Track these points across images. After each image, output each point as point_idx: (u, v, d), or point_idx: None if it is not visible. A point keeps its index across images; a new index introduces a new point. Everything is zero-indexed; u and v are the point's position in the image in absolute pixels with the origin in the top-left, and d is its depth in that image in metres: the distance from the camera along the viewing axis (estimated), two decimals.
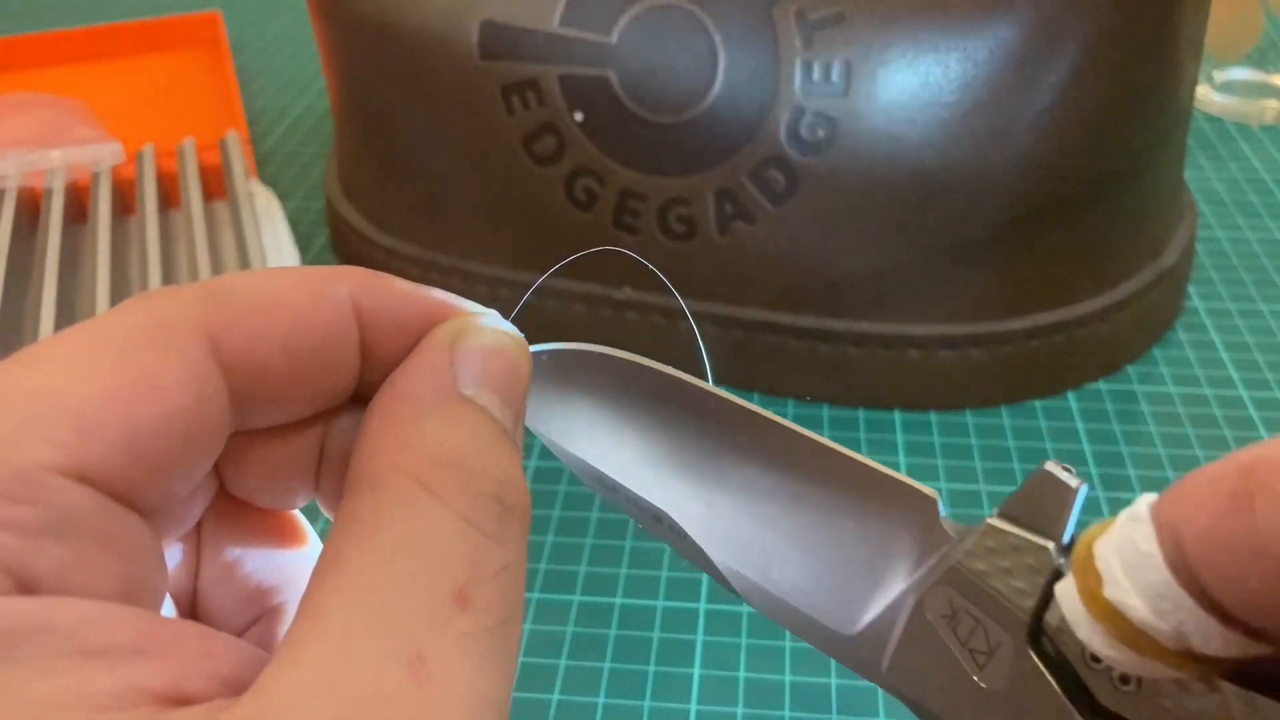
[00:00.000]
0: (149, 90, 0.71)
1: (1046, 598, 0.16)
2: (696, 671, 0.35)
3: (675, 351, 0.45)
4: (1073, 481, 0.17)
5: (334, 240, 0.55)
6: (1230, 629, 0.14)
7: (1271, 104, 0.64)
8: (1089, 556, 0.15)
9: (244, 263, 0.50)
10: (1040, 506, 0.17)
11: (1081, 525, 0.16)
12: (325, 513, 0.19)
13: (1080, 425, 0.43)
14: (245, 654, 0.14)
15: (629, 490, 0.20)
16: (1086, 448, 0.42)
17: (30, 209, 0.55)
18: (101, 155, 0.59)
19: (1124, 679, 0.16)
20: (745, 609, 0.36)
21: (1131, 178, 0.42)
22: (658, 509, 0.20)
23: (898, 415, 0.44)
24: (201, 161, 0.58)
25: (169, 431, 0.15)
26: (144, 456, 0.15)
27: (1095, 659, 0.16)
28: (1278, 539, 0.12)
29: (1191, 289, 0.51)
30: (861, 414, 0.44)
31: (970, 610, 0.17)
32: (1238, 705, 0.15)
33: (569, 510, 0.40)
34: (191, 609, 0.19)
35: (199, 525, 0.19)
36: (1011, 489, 0.21)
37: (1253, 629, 0.14)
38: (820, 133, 0.39)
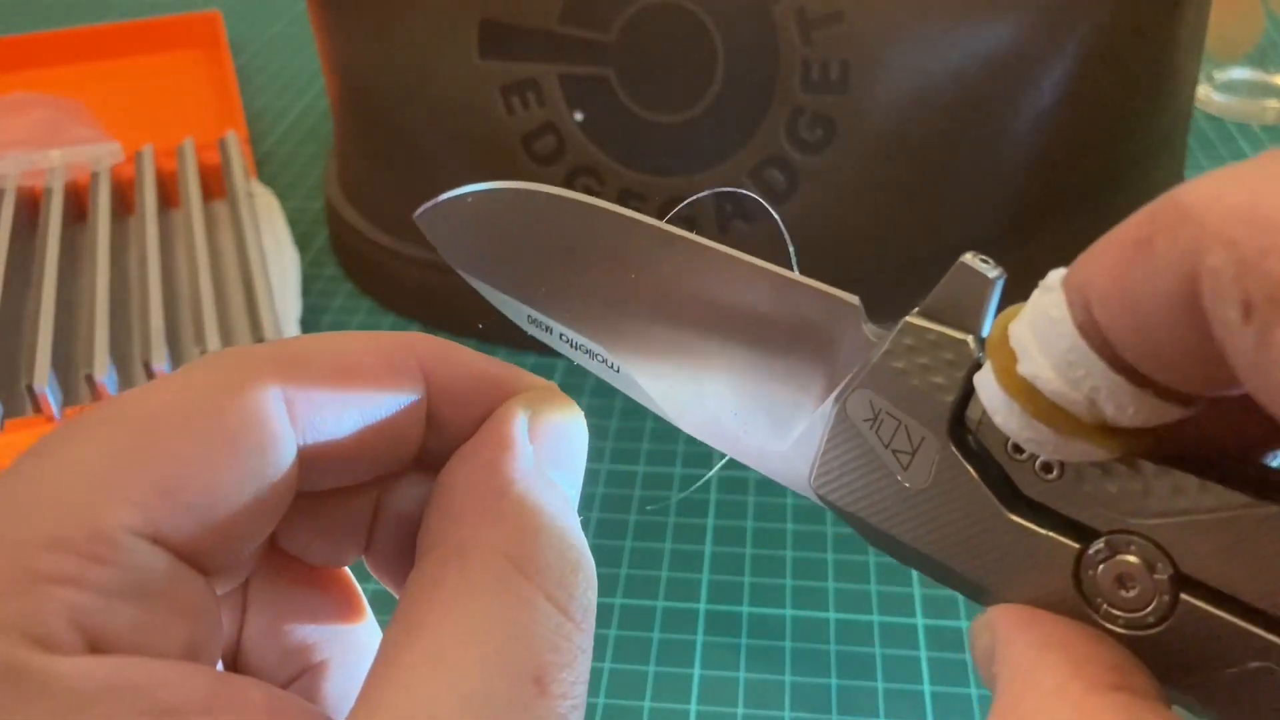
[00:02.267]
0: (149, 90, 0.71)
1: (967, 392, 0.16)
2: (696, 671, 0.35)
3: None
4: (991, 272, 0.16)
5: (334, 240, 0.55)
6: (1142, 390, 0.14)
7: (1271, 104, 0.64)
8: (1004, 337, 0.15)
9: (244, 262, 0.50)
10: (958, 301, 0.17)
11: None
12: (372, 571, 0.19)
13: None
14: (308, 713, 0.15)
15: (562, 329, 0.20)
16: None
17: (30, 209, 0.55)
18: (101, 155, 0.59)
19: (1046, 467, 0.15)
20: (745, 609, 0.36)
21: (1131, 177, 0.42)
22: (590, 345, 0.20)
23: None
24: (201, 161, 0.58)
25: (243, 495, 0.15)
26: (216, 520, 0.15)
27: (1017, 449, 0.16)
28: (1177, 276, 0.12)
29: None
30: None
31: (891, 410, 0.17)
32: (1158, 483, 0.14)
33: None
34: (234, 663, 0.19)
35: (246, 581, 0.19)
36: None
37: (1163, 388, 0.13)
38: (819, 132, 0.39)
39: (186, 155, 0.58)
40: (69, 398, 0.44)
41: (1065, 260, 0.43)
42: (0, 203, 0.54)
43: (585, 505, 0.40)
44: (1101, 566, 0.15)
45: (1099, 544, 0.15)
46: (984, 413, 0.16)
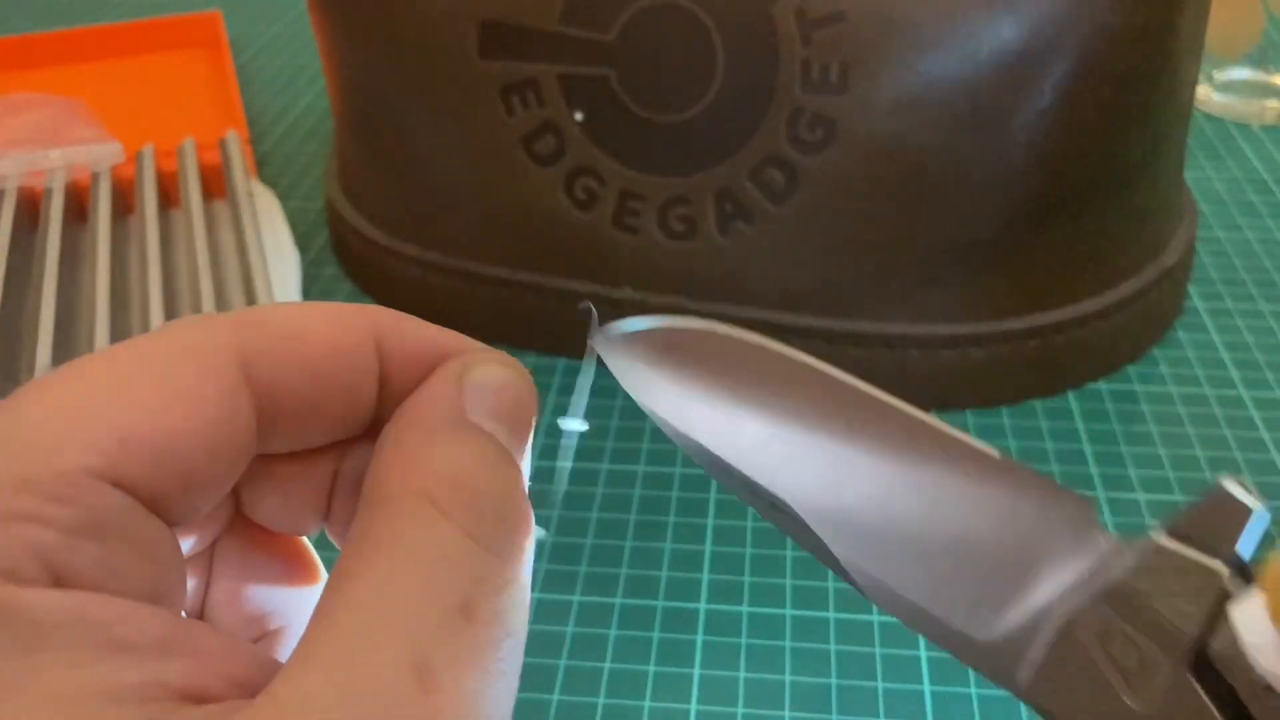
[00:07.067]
0: (149, 90, 0.71)
1: (1214, 623, 0.15)
2: (696, 671, 0.35)
3: None
4: (1251, 502, 0.16)
5: (334, 240, 0.55)
6: None
7: (1271, 104, 0.64)
8: None
9: (244, 262, 0.50)
10: (1212, 525, 0.16)
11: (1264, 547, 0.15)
12: (333, 540, 0.20)
13: (1080, 425, 0.43)
14: (260, 659, 0.15)
15: (745, 475, 0.19)
16: (1086, 448, 0.42)
17: (30, 209, 0.55)
18: (101, 155, 0.59)
19: None
20: (745, 609, 0.36)
21: (1131, 177, 0.42)
22: (776, 496, 0.19)
23: None
24: (201, 161, 0.58)
25: (200, 445, 0.16)
26: (176, 467, 0.16)
27: (1269, 689, 0.14)
28: None
29: (1191, 289, 0.51)
30: None
31: (1127, 630, 0.16)
32: None
33: (569, 510, 0.40)
34: None
35: (212, 546, 0.20)
36: None
37: None
38: (819, 132, 0.39)
39: (187, 155, 0.58)
40: None
41: (1065, 260, 0.43)
42: (1, 203, 0.54)
43: (585, 505, 0.40)
44: None
45: None
46: (1234, 645, 0.15)
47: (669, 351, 0.20)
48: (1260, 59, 0.64)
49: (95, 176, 0.57)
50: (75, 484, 0.14)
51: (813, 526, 0.19)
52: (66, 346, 0.46)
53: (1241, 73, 0.65)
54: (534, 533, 0.17)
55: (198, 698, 0.14)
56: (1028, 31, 0.37)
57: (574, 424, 0.23)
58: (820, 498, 0.19)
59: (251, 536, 0.20)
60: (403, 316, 0.19)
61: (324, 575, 0.21)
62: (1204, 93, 0.65)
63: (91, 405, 0.15)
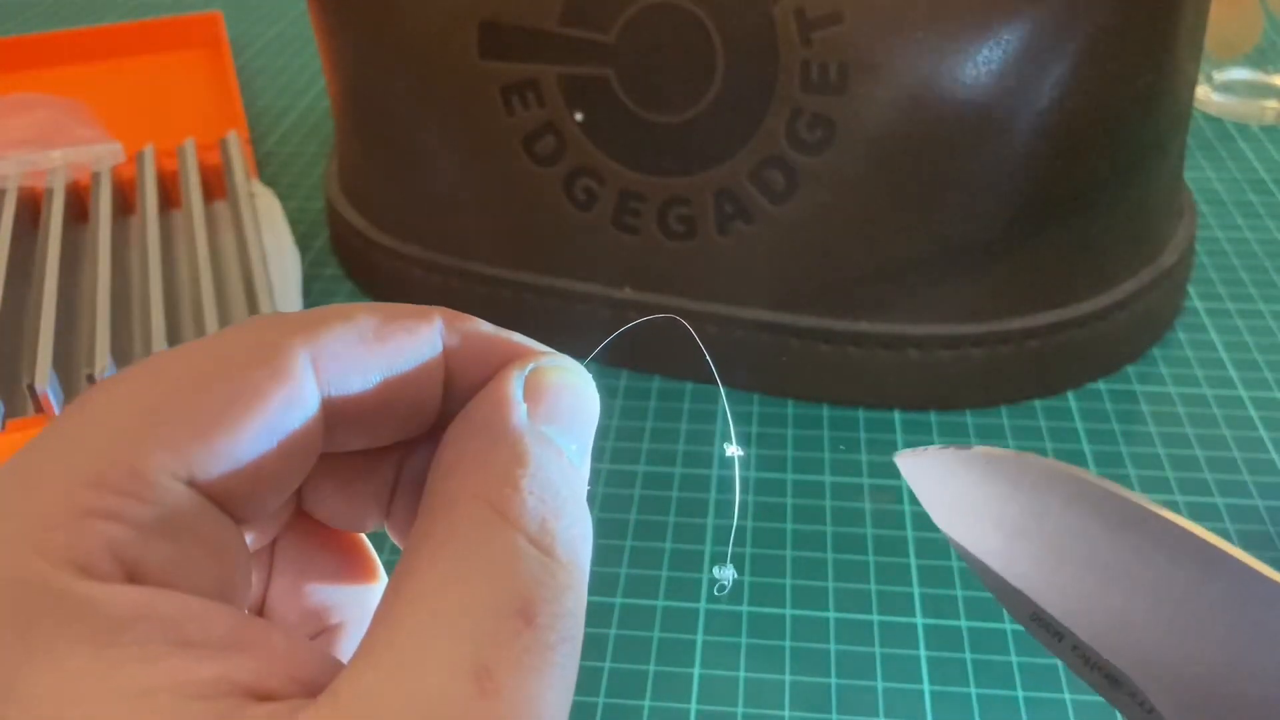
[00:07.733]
0: (149, 90, 0.71)
1: None
2: (696, 671, 0.35)
3: (673, 350, 0.45)
4: None
5: (334, 241, 0.55)
6: None
7: (1271, 104, 0.64)
8: None
9: (244, 263, 0.50)
10: None
11: None
12: (393, 538, 0.20)
13: (1080, 425, 0.43)
14: (323, 659, 0.15)
15: (1078, 638, 0.17)
16: (1086, 448, 0.42)
17: (31, 209, 0.55)
18: (102, 155, 0.59)
19: None
20: (745, 608, 0.36)
21: (1131, 178, 0.42)
22: (1117, 669, 0.16)
23: (897, 415, 0.44)
24: (202, 161, 0.58)
25: (270, 445, 0.16)
26: (246, 466, 0.16)
27: None
28: None
29: (1191, 289, 0.51)
30: (861, 414, 0.44)
31: None
32: None
33: None
34: None
35: (273, 541, 0.20)
36: None
37: None
38: (819, 132, 0.39)
39: (187, 155, 0.58)
40: (70, 397, 0.44)
41: (1065, 260, 0.43)
42: (1, 203, 0.54)
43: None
44: None
45: None
46: None
47: (983, 482, 0.17)
48: (1260, 59, 0.64)
49: (96, 177, 0.57)
50: (150, 482, 0.15)
51: (1160, 709, 0.16)
52: (68, 346, 0.46)
53: (1241, 73, 0.65)
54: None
55: (262, 695, 0.14)
56: (1027, 33, 0.37)
57: (733, 450, 0.23)
58: (1169, 673, 0.16)
59: (312, 533, 0.20)
60: (468, 318, 0.19)
61: (382, 572, 0.21)
62: (1204, 93, 0.65)
63: (166, 404, 0.15)
